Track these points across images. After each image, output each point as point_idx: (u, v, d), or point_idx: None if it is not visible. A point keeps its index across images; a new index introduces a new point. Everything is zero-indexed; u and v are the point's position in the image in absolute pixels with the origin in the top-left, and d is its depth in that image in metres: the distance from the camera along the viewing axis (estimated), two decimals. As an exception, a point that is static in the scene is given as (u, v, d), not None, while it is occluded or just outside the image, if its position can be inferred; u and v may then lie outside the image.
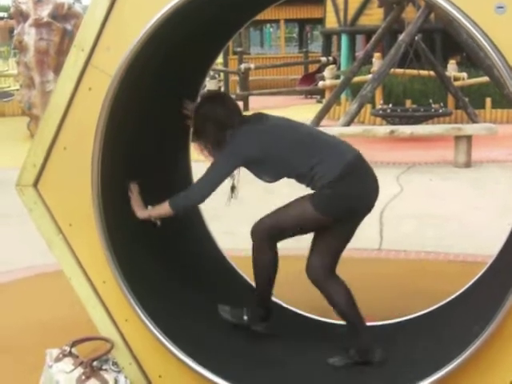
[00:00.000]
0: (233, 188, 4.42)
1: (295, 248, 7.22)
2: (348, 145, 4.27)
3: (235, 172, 4.24)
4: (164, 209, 4.18)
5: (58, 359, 4.14)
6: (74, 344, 4.21)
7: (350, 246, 4.45)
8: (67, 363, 4.10)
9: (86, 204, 4.00)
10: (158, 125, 4.69)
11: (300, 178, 4.17)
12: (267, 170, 4.21)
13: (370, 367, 4.18)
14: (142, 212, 4.25)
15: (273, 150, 4.13)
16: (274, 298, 5.05)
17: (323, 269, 4.18)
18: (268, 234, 4.22)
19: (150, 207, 4.24)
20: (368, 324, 4.39)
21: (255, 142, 4.15)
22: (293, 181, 4.33)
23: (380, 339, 4.40)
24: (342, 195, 4.06)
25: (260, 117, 4.30)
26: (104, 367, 4.17)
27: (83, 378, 3.99)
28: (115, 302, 4.14)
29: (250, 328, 4.42)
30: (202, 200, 4.19)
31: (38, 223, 4.23)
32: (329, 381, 4.17)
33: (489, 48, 3.34)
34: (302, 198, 4.16)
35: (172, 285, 4.49)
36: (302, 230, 4.26)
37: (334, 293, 4.18)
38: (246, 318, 4.40)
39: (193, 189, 4.29)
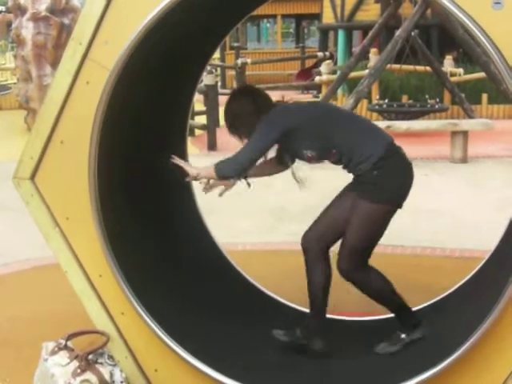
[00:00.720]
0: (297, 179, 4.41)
1: (287, 242, 7.25)
2: (383, 130, 4.27)
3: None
4: (209, 172, 4.09)
5: (53, 352, 4.15)
6: (69, 337, 4.21)
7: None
8: (63, 356, 4.11)
9: (83, 197, 4.00)
10: (155, 119, 4.69)
11: (342, 158, 4.08)
12: (309, 144, 4.08)
13: (364, 362, 4.20)
14: (192, 169, 4.17)
15: (313, 122, 4.09)
16: (271, 294, 5.08)
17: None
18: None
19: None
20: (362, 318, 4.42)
21: (294, 112, 4.16)
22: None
23: (377, 334, 4.41)
24: (388, 176, 4.02)
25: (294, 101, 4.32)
26: (99, 361, 4.17)
27: (78, 371, 3.99)
28: (111, 296, 4.14)
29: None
30: (248, 165, 4.04)
31: (35, 216, 4.23)
32: (320, 372, 4.21)
33: (486, 43, 3.34)
34: (353, 205, 4.08)
35: (168, 279, 4.50)
36: (382, 232, 4.18)
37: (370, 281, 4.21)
38: None
39: (238, 154, 4.04)
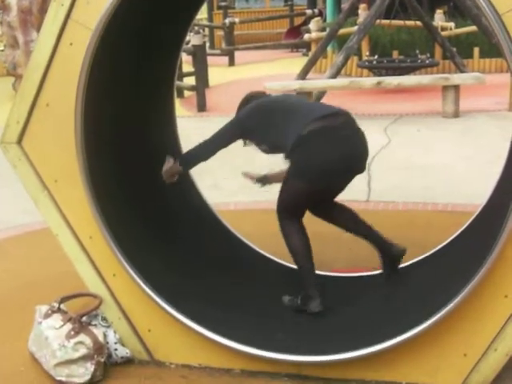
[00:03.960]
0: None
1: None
2: (325, 106, 4.44)
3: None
4: (175, 168, 4.47)
5: (47, 315, 4.17)
6: (62, 300, 4.24)
7: (338, 198, 4.46)
8: (56, 319, 4.13)
9: (71, 160, 3.99)
10: (141, 78, 4.65)
11: (282, 150, 4.27)
12: (260, 139, 4.41)
13: (357, 315, 4.21)
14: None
15: (267, 122, 4.31)
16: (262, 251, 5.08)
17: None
18: (284, 214, 4.30)
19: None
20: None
21: (255, 115, 4.35)
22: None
23: (369, 289, 4.42)
24: (306, 157, 4.11)
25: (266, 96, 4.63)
26: (93, 322, 4.20)
27: (72, 333, 4.02)
28: (102, 257, 4.15)
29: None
30: (207, 158, 4.39)
31: (23, 180, 4.22)
32: (316, 326, 4.22)
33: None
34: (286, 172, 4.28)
35: (159, 239, 4.49)
36: (310, 204, 4.35)
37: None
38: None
39: (199, 147, 4.41)
